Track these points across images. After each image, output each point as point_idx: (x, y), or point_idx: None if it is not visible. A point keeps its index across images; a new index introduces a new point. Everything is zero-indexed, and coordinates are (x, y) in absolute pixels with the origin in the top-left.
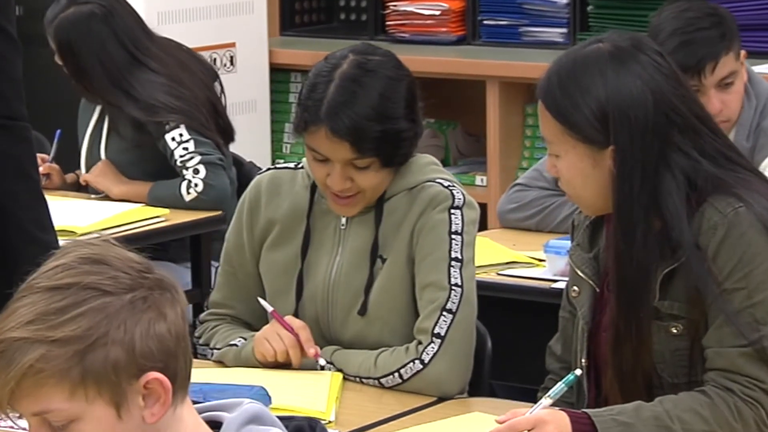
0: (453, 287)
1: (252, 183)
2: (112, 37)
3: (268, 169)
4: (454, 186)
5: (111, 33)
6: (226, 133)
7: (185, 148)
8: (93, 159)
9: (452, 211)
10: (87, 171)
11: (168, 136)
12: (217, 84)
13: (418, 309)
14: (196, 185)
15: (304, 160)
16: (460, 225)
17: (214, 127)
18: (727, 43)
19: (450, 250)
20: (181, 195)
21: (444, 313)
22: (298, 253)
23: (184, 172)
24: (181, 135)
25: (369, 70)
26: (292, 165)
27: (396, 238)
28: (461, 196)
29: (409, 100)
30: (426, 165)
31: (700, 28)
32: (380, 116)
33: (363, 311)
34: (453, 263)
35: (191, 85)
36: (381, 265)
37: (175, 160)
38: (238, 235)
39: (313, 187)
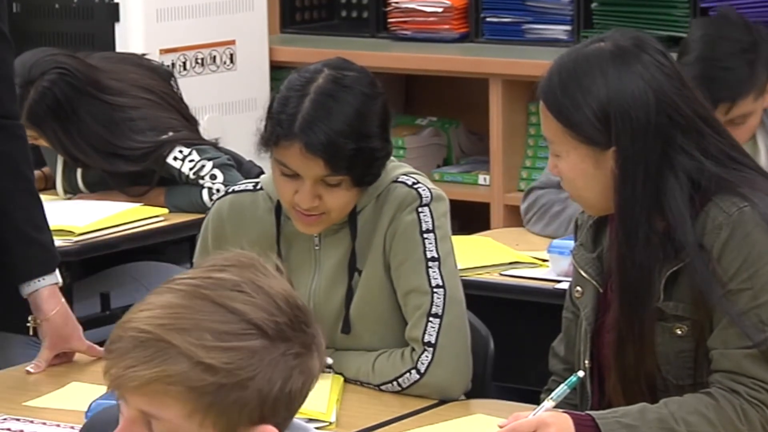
0: (435, 290)
1: (212, 211)
2: (85, 96)
3: (227, 192)
4: (418, 183)
5: (80, 92)
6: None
7: (191, 161)
8: (72, 188)
9: (420, 209)
10: (65, 193)
11: (168, 160)
12: (172, 82)
13: (405, 316)
14: (218, 190)
15: (262, 178)
16: (431, 222)
17: (185, 126)
18: (749, 87)
19: (425, 251)
20: (203, 202)
21: (431, 319)
22: None
23: (201, 181)
24: (180, 152)
25: (345, 85)
26: (251, 186)
27: (369, 248)
28: (428, 193)
29: (383, 119)
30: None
31: (728, 68)
32: (355, 133)
33: (347, 329)
34: (430, 263)
35: (155, 98)
36: (358, 278)
37: (186, 176)
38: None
39: (278, 210)
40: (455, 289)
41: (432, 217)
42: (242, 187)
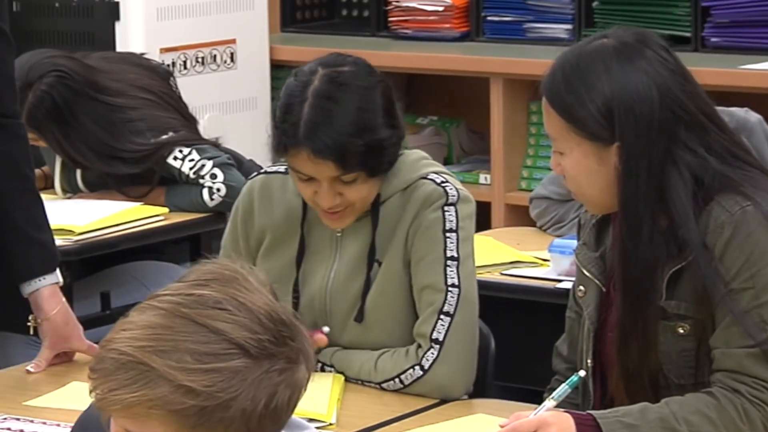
0: (450, 288)
1: (244, 189)
2: (83, 98)
3: (259, 173)
4: (447, 182)
5: (79, 95)
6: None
7: (191, 160)
8: (71, 188)
9: (446, 208)
10: (62, 193)
11: (168, 160)
12: (171, 81)
13: (417, 311)
14: (218, 189)
15: None
16: (455, 222)
17: (185, 125)
18: None
19: (445, 250)
20: (203, 202)
21: (441, 316)
22: (293, 262)
23: (201, 180)
24: (180, 151)
25: (342, 84)
26: (282, 169)
27: (391, 240)
28: (455, 192)
29: (386, 107)
30: (416, 161)
31: None
32: (360, 130)
33: (360, 318)
34: (449, 263)
35: (154, 98)
36: (378, 269)
37: (187, 176)
38: (234, 243)
39: None
40: (470, 290)
41: (457, 217)
42: (274, 168)
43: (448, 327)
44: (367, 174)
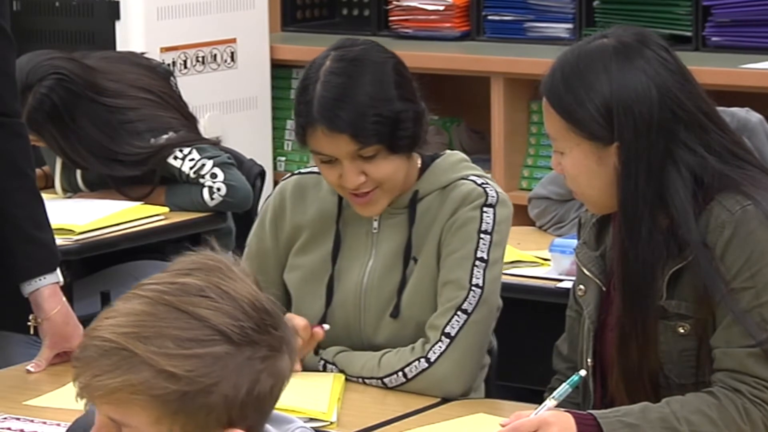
0: (473, 287)
1: (276, 190)
2: (83, 101)
3: (292, 174)
4: (487, 183)
5: (78, 97)
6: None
7: (192, 160)
8: (71, 187)
9: (484, 209)
10: (63, 192)
11: (169, 159)
12: (171, 80)
13: (437, 304)
14: (219, 189)
15: None
16: (491, 224)
17: (184, 125)
18: None
19: (476, 249)
20: (203, 201)
21: (458, 312)
22: (328, 259)
23: (201, 180)
24: (181, 150)
25: (352, 59)
26: (316, 169)
27: (428, 238)
28: (494, 194)
29: (398, 81)
30: (457, 162)
31: None
32: (373, 101)
33: (396, 313)
34: (477, 263)
35: (154, 98)
36: (413, 266)
37: (187, 175)
38: (260, 242)
39: None
40: (492, 294)
41: (494, 219)
42: (308, 169)
43: (463, 324)
44: (387, 149)
